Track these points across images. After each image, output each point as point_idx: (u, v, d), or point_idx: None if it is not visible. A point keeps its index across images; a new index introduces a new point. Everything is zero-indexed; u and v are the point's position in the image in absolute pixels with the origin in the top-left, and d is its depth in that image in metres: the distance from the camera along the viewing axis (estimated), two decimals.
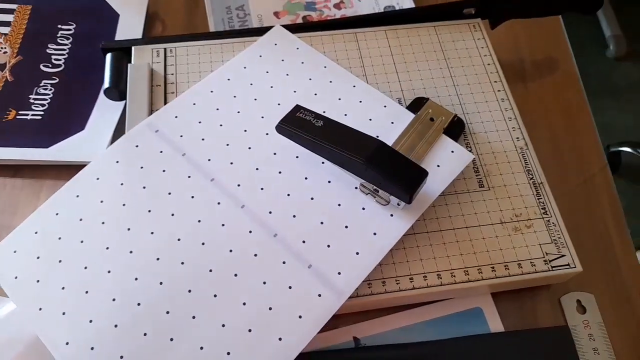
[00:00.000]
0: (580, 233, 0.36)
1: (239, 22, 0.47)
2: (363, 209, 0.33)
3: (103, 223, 0.33)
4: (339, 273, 0.31)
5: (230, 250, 0.31)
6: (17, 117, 0.40)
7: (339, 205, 0.33)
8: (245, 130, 0.36)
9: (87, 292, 0.30)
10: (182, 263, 0.31)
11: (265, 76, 0.38)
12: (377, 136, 0.34)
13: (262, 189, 0.33)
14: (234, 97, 0.37)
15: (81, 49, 0.44)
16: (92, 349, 0.29)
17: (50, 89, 0.42)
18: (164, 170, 0.34)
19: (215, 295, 0.30)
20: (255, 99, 0.37)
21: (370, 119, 0.36)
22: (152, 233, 0.32)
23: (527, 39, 0.47)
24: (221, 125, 0.36)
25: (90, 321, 0.29)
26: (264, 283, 0.30)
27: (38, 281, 0.31)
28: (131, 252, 0.31)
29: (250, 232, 0.32)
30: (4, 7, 0.46)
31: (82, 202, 0.33)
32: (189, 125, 0.36)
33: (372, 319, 0.33)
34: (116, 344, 0.29)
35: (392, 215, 0.32)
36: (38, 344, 0.29)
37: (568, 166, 0.40)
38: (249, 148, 0.35)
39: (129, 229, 0.32)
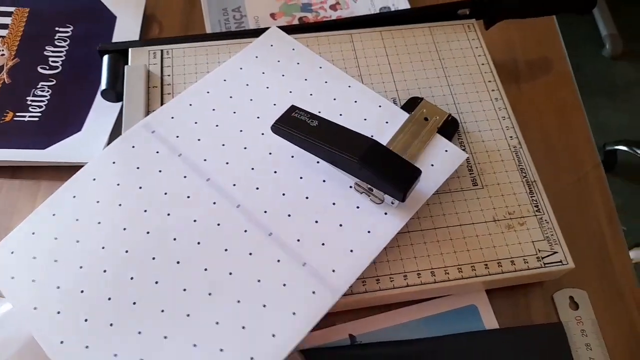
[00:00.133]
0: (573, 230, 0.36)
1: (235, 23, 0.47)
2: (357, 207, 0.33)
3: (99, 223, 0.33)
4: (333, 271, 0.31)
5: (226, 250, 0.32)
6: (15, 118, 0.41)
7: (334, 204, 0.33)
8: (241, 131, 0.36)
9: (82, 291, 0.31)
10: (178, 262, 0.31)
11: (261, 77, 0.39)
12: (372, 136, 0.35)
13: (257, 188, 0.34)
14: (230, 97, 0.38)
15: (78, 51, 0.45)
16: (86, 347, 0.29)
17: (48, 91, 0.42)
18: (160, 171, 0.34)
19: (210, 294, 0.30)
20: (251, 100, 0.37)
21: (365, 119, 0.37)
22: (147, 233, 0.32)
23: (521, 39, 0.47)
24: (217, 125, 0.36)
25: (86, 320, 0.30)
26: (259, 281, 0.31)
27: (34, 281, 0.31)
28: (127, 251, 0.32)
29: (245, 231, 0.32)
30: (2, 9, 0.47)
31: (78, 203, 0.33)
32: (185, 126, 0.36)
33: (367, 316, 0.34)
34: (111, 342, 0.29)
35: (386, 213, 0.33)
36: (34, 343, 0.29)
37: (561, 164, 0.41)
38: (245, 148, 0.35)
39: (124, 229, 0.32)
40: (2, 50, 0.44)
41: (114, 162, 0.35)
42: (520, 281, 0.34)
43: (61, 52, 0.45)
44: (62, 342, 0.29)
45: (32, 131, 0.40)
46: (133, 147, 0.35)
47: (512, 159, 0.37)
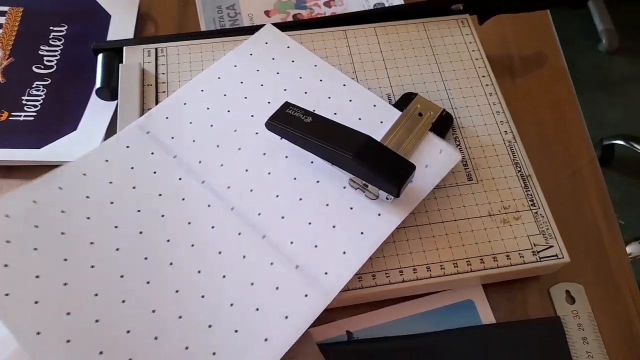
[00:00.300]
0: (568, 224, 0.36)
1: (229, 21, 0.47)
2: (351, 208, 0.33)
3: (88, 218, 0.32)
4: (326, 273, 0.31)
5: (219, 252, 0.31)
6: (10, 118, 0.41)
7: (327, 205, 0.33)
8: (235, 130, 0.36)
9: (65, 284, 0.30)
10: (171, 264, 0.31)
11: (256, 75, 0.39)
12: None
13: (251, 190, 0.34)
14: (224, 95, 0.38)
15: (73, 50, 0.45)
16: (67, 341, 0.28)
17: (43, 90, 0.42)
18: (154, 172, 0.34)
19: (202, 296, 0.30)
20: (246, 97, 0.37)
21: (359, 118, 0.37)
22: (140, 233, 0.32)
23: (515, 34, 0.47)
24: (212, 125, 0.36)
25: (68, 314, 0.29)
26: (252, 284, 0.31)
27: (6, 266, 0.30)
28: (117, 249, 0.31)
29: (239, 234, 0.32)
30: None
31: (64, 195, 0.32)
32: (179, 127, 0.36)
33: (364, 312, 0.34)
34: (96, 339, 0.28)
35: (379, 215, 0.33)
36: None
37: (556, 159, 0.41)
38: (239, 149, 0.35)
39: (116, 227, 0.32)
40: None
41: (106, 160, 0.34)
42: (516, 275, 0.34)
43: (56, 51, 0.44)
44: (38, 333, 0.28)
45: (27, 130, 0.40)
46: (127, 147, 0.35)
47: (506, 154, 0.37)
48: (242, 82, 0.38)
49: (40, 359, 0.28)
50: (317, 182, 0.34)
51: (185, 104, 0.37)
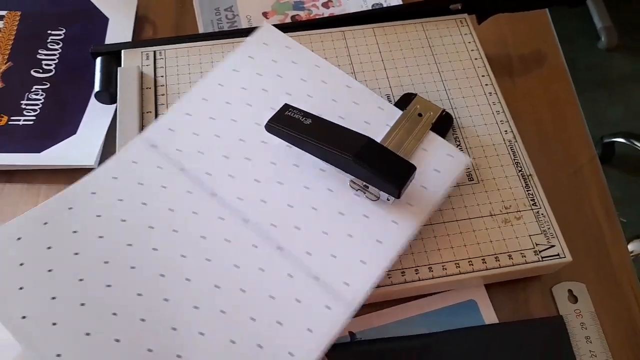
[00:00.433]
0: (570, 223, 0.36)
1: (227, 23, 0.47)
2: (366, 216, 0.32)
3: (101, 237, 0.31)
4: (346, 284, 0.30)
5: (236, 266, 0.31)
6: (9, 122, 0.40)
7: (342, 214, 0.32)
8: (241, 140, 0.35)
9: (82, 304, 0.29)
10: (188, 280, 0.30)
11: (257, 79, 0.38)
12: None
13: (263, 201, 0.33)
14: (227, 103, 0.37)
15: (71, 54, 0.44)
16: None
17: (42, 94, 0.42)
18: (163, 187, 0.33)
19: (222, 312, 0.29)
20: (249, 105, 0.36)
21: (365, 122, 0.36)
22: (154, 249, 0.31)
23: (514, 33, 0.47)
24: (217, 136, 0.35)
25: (87, 334, 0.28)
26: (272, 298, 0.30)
27: (21, 289, 0.29)
28: (133, 267, 0.30)
29: (255, 246, 0.31)
30: None
31: (75, 215, 0.32)
32: (185, 139, 0.35)
33: (367, 313, 0.34)
34: (117, 359, 0.28)
35: (395, 222, 0.32)
36: None
37: (557, 157, 0.41)
38: (247, 159, 0.34)
39: (130, 245, 0.31)
40: None
41: (114, 177, 0.33)
42: (518, 275, 0.34)
43: (54, 55, 0.44)
44: (24, 317, 0.28)
45: (26, 135, 0.40)
46: (134, 162, 0.34)
47: (507, 153, 0.37)
48: (244, 89, 0.37)
49: None
50: (330, 190, 0.33)
51: (188, 114, 0.36)
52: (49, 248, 0.31)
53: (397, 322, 0.33)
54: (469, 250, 0.33)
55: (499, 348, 0.32)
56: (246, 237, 0.32)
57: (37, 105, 0.42)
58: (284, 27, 0.42)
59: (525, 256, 0.33)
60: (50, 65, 0.44)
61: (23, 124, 0.41)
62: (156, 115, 0.37)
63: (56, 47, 0.45)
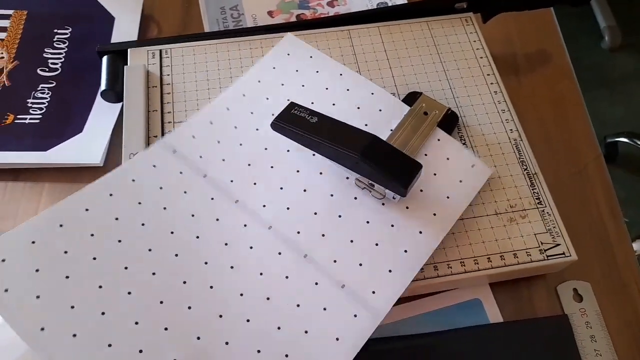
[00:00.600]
0: (575, 222, 0.36)
1: (233, 22, 0.47)
2: (392, 225, 0.32)
3: (119, 241, 0.30)
4: (373, 292, 0.30)
5: (261, 274, 0.30)
6: (15, 121, 0.41)
7: (368, 222, 0.32)
8: (265, 149, 0.35)
9: (103, 313, 0.28)
10: (211, 287, 0.30)
11: (281, 89, 0.37)
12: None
13: (288, 208, 0.33)
14: (251, 113, 0.36)
15: (77, 53, 0.45)
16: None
17: (48, 93, 0.42)
18: (185, 192, 0.33)
19: (248, 320, 0.29)
20: (273, 114, 0.35)
21: (391, 130, 0.36)
22: (176, 255, 0.31)
23: (519, 32, 0.47)
24: (241, 144, 0.35)
25: (110, 345, 0.28)
26: (298, 306, 0.30)
27: (38, 297, 0.28)
28: (154, 273, 0.30)
29: (279, 254, 0.31)
30: (0, 12, 0.47)
31: (92, 217, 0.31)
32: (207, 146, 0.35)
33: None
34: None
35: (420, 232, 0.32)
36: None
37: (562, 156, 0.41)
38: (272, 167, 0.34)
39: (150, 250, 0.30)
40: (2, 53, 0.44)
41: (133, 180, 0.33)
42: (523, 274, 0.34)
43: (60, 53, 0.45)
44: (42, 329, 0.27)
45: (33, 133, 0.40)
46: (154, 166, 0.34)
47: (512, 152, 0.37)
48: (267, 99, 0.37)
49: None
50: (355, 198, 0.33)
51: (211, 123, 0.36)
52: (65, 252, 0.30)
53: (402, 321, 0.33)
54: (474, 249, 0.33)
55: (503, 347, 0.32)
56: (270, 244, 0.31)
57: (43, 103, 0.42)
58: (289, 27, 0.42)
59: (530, 255, 0.33)
60: (57, 64, 0.44)
61: (29, 123, 0.41)
62: (162, 114, 0.38)
63: (62, 46, 0.45)
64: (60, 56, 0.44)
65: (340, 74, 0.38)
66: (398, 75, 0.40)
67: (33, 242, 0.30)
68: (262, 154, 0.35)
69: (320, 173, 0.34)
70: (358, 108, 0.37)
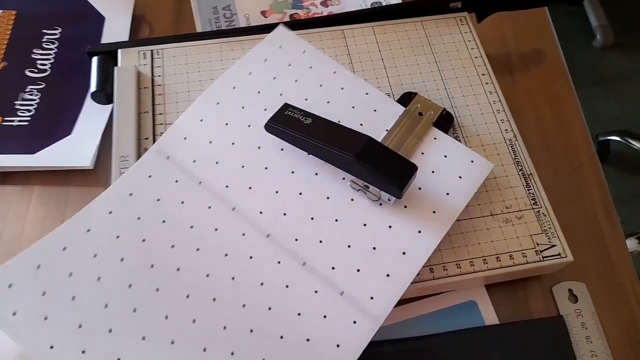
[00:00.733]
0: (570, 223, 0.36)
1: (225, 22, 0.47)
2: (390, 227, 0.32)
3: (122, 260, 0.30)
4: (372, 298, 0.30)
5: (262, 284, 0.30)
6: (3, 123, 0.40)
7: (365, 225, 0.32)
8: (259, 148, 0.34)
9: (110, 330, 0.28)
10: (214, 300, 0.30)
11: (273, 83, 0.36)
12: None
13: (284, 214, 0.32)
14: (242, 108, 0.35)
15: (67, 53, 0.44)
16: None
17: (37, 94, 0.42)
18: (182, 202, 0.32)
19: (251, 331, 0.29)
20: (265, 109, 0.34)
21: (387, 130, 0.35)
22: (177, 270, 0.30)
23: (513, 32, 0.47)
24: (233, 143, 0.34)
25: (118, 359, 0.28)
26: (299, 314, 0.30)
27: (46, 319, 0.28)
28: (157, 289, 0.30)
29: (279, 262, 0.31)
30: None
31: (93, 237, 0.31)
32: (200, 148, 0.34)
33: None
34: None
35: (419, 232, 0.32)
36: None
37: (557, 156, 0.41)
38: (266, 168, 0.34)
39: (152, 266, 0.30)
40: None
41: (130, 194, 0.32)
42: (519, 275, 0.34)
43: (49, 54, 0.44)
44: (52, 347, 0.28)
45: (21, 136, 0.39)
46: (150, 176, 0.33)
47: (507, 152, 0.36)
48: (259, 92, 0.36)
49: None
50: (352, 200, 0.33)
51: (201, 120, 0.35)
52: (70, 275, 0.30)
53: (398, 324, 0.33)
54: (470, 251, 0.33)
55: (499, 349, 0.32)
56: (270, 253, 0.31)
57: (31, 105, 0.41)
58: None
59: (526, 256, 0.33)
60: (46, 65, 0.43)
61: (17, 125, 0.40)
62: (153, 116, 0.37)
63: (51, 46, 0.44)
64: (50, 57, 0.44)
65: (334, 72, 0.38)
66: (393, 75, 0.39)
67: (38, 267, 0.30)
68: (255, 154, 0.34)
69: (316, 174, 0.33)
70: (353, 108, 0.36)
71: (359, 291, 0.30)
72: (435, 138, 0.35)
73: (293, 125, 0.32)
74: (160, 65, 0.39)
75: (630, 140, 1.03)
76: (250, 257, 0.31)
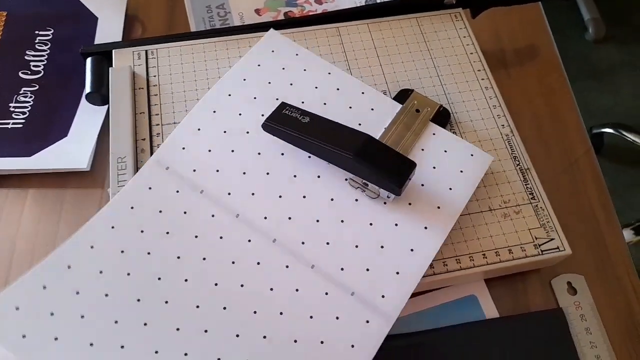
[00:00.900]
0: (568, 216, 0.36)
1: (219, 20, 0.47)
2: (396, 224, 0.32)
3: (128, 274, 0.30)
4: (383, 296, 0.30)
5: (271, 289, 0.30)
6: None
7: (371, 224, 0.32)
8: (259, 153, 0.34)
9: (122, 346, 0.28)
10: (224, 308, 0.30)
11: (268, 88, 0.36)
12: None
13: (289, 218, 0.32)
14: (240, 115, 0.35)
15: (60, 54, 0.44)
16: None
17: (31, 97, 0.41)
18: (185, 212, 0.32)
19: (264, 337, 0.29)
20: (262, 115, 0.34)
21: (384, 128, 0.35)
22: (185, 280, 0.30)
23: (508, 27, 0.47)
24: (232, 151, 0.34)
25: None
26: (311, 317, 0.29)
27: (56, 339, 0.28)
28: (166, 302, 0.30)
29: (287, 267, 0.31)
30: None
31: (98, 253, 0.31)
32: (199, 157, 0.34)
33: None
34: None
35: (426, 227, 0.32)
36: None
37: (553, 150, 0.41)
38: (267, 173, 0.33)
39: (159, 279, 0.30)
40: None
41: (132, 207, 0.32)
42: (518, 269, 0.34)
43: (43, 56, 0.43)
44: None
45: (16, 138, 0.39)
46: (150, 188, 0.33)
47: (504, 148, 0.37)
48: (255, 98, 0.36)
49: None
50: (356, 200, 0.33)
51: (199, 129, 0.35)
52: (77, 293, 0.30)
53: (399, 320, 0.33)
54: (469, 246, 0.33)
55: (500, 342, 0.32)
56: (277, 257, 0.31)
57: (26, 107, 0.41)
58: (277, 25, 0.41)
59: (525, 250, 0.33)
60: (39, 66, 0.43)
61: (12, 128, 0.40)
62: (149, 116, 0.37)
63: (44, 47, 0.44)
64: (43, 58, 0.43)
65: (329, 73, 0.37)
66: (389, 72, 0.39)
67: (44, 287, 0.30)
68: (256, 160, 0.34)
69: (318, 176, 0.33)
70: (350, 108, 0.36)
71: (370, 290, 0.30)
72: (434, 134, 0.35)
73: (291, 124, 0.32)
74: (155, 66, 0.39)
75: (624, 133, 1.04)
76: (258, 263, 0.31)
